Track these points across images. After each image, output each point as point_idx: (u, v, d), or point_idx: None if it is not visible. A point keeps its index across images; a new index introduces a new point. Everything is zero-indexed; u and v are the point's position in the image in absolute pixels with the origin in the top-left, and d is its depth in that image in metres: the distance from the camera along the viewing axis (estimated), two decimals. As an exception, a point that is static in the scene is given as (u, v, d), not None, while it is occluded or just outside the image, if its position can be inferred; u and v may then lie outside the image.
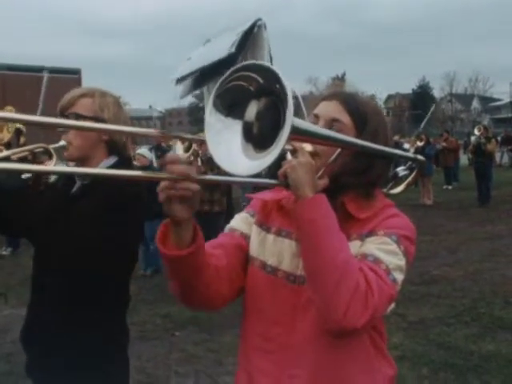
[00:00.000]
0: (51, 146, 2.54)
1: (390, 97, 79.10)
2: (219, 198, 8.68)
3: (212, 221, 7.90)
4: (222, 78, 1.44)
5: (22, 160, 2.57)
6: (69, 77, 29.63)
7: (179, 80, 9.56)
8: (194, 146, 8.56)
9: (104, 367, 2.31)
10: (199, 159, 8.97)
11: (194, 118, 70.94)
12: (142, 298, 7.15)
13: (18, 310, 6.75)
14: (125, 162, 2.45)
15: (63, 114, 2.39)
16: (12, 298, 7.35)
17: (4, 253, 10.43)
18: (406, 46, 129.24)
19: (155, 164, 10.14)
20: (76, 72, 31.42)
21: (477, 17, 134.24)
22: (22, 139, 9.62)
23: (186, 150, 8.99)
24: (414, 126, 48.68)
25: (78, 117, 2.34)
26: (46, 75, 8.99)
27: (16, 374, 4.99)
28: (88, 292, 2.26)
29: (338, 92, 1.84)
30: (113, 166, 2.37)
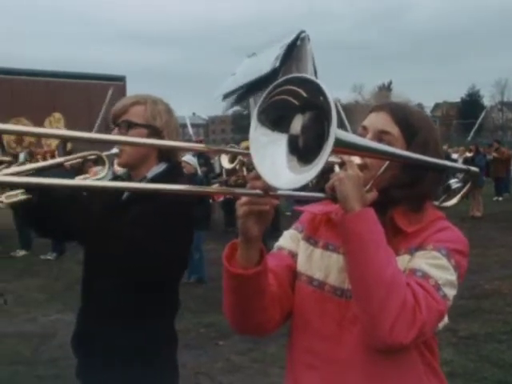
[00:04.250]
0: (104, 153, 2.55)
1: (437, 105, 78.01)
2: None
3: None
4: (266, 92, 1.44)
5: (78, 170, 2.60)
6: (113, 84, 30.05)
7: (225, 96, 9.65)
8: (240, 156, 8.59)
9: (153, 372, 2.32)
10: (244, 169, 9.01)
11: (238, 125, 71.39)
12: (186, 306, 7.15)
13: (63, 315, 6.91)
14: (174, 168, 2.46)
15: (115, 122, 2.41)
16: (58, 303, 7.52)
17: (49, 258, 10.62)
18: (454, 54, 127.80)
19: (199, 171, 10.22)
20: (121, 79, 31.92)
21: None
22: (69, 145, 9.83)
23: (232, 159, 9.04)
24: (462, 135, 47.83)
25: (130, 124, 2.36)
26: (111, 89, 9.19)
27: (63, 377, 5.09)
28: (137, 297, 2.28)
29: (387, 103, 1.81)
30: (162, 173, 2.39)
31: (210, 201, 11.20)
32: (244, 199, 1.46)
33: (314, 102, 1.38)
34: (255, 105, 8.33)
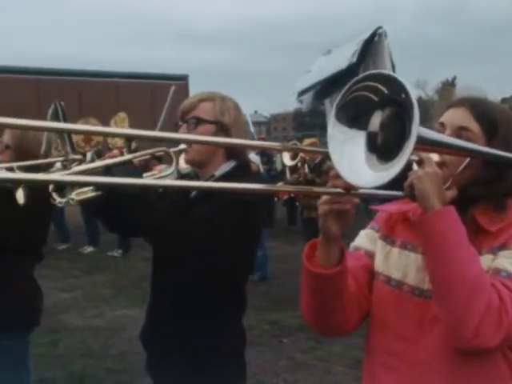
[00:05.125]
0: (172, 150, 2.58)
1: (504, 100, 75.62)
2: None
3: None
4: (344, 89, 1.42)
5: (144, 168, 2.65)
6: (176, 83, 30.22)
7: (300, 94, 9.62)
8: (301, 153, 8.54)
9: (221, 369, 2.33)
10: (306, 166, 8.97)
11: (299, 123, 71.20)
12: (249, 304, 7.14)
13: (130, 311, 7.06)
14: (243, 166, 2.46)
15: (184, 118, 2.42)
16: (124, 299, 7.69)
17: (115, 254, 10.84)
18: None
19: (261, 169, 10.23)
20: (183, 78, 32.28)
21: None
22: (134, 145, 9.97)
23: (293, 157, 9.01)
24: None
25: (199, 120, 2.37)
26: (173, 87, 9.32)
27: (131, 371, 5.20)
28: (205, 294, 2.30)
29: (466, 98, 1.75)
30: (231, 171, 2.39)
31: (275, 199, 11.21)
32: (324, 198, 1.46)
33: (395, 98, 1.35)
34: (331, 105, 8.28)
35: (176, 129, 2.44)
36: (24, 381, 3.40)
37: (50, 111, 2.83)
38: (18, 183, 2.12)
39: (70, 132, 2.56)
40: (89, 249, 11.31)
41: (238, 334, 2.46)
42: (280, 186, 1.83)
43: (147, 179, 2.41)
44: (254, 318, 6.59)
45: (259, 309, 6.93)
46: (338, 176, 1.40)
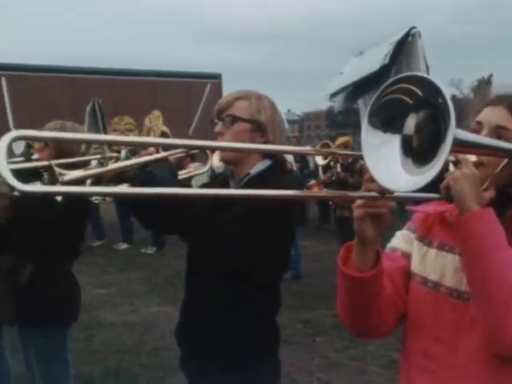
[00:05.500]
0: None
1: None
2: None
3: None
4: (376, 94, 1.41)
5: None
6: (209, 81, 30.30)
7: (332, 96, 9.58)
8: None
9: (255, 368, 2.34)
10: (338, 165, 8.92)
11: (332, 121, 70.76)
12: (282, 303, 7.16)
13: (163, 308, 7.12)
14: (279, 165, 2.44)
15: (219, 116, 2.41)
16: (158, 296, 7.76)
17: (149, 251, 10.91)
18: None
19: (295, 168, 10.21)
20: (216, 77, 32.31)
21: None
22: (166, 141, 10.00)
23: (326, 156, 8.96)
24: None
25: (235, 118, 2.35)
26: (208, 86, 9.35)
27: (164, 367, 5.25)
28: (238, 294, 2.30)
29: (504, 96, 1.71)
30: (266, 170, 2.37)
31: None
32: (360, 202, 1.46)
33: (430, 100, 1.34)
34: (364, 105, 8.21)
35: (211, 127, 2.44)
36: (64, 373, 3.49)
37: (88, 108, 2.88)
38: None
39: (110, 144, 2.60)
40: (123, 246, 11.42)
41: (272, 333, 2.45)
42: (315, 191, 1.82)
43: (191, 189, 2.41)
44: (287, 317, 6.58)
45: (292, 307, 6.92)
46: (372, 179, 1.40)
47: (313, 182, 11.13)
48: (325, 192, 1.36)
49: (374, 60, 8.19)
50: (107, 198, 2.73)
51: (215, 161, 4.10)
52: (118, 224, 11.61)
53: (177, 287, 7.23)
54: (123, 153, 2.65)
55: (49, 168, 2.28)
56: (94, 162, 2.94)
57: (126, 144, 2.26)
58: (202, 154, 3.33)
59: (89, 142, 2.72)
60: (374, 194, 1.44)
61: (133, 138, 1.46)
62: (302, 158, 14.45)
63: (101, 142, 2.71)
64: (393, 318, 1.73)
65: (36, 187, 1.39)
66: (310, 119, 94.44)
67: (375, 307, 1.63)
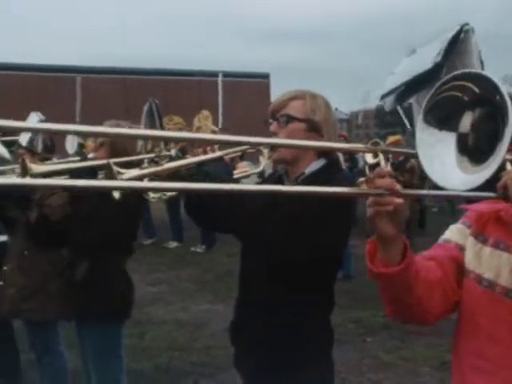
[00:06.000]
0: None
1: None
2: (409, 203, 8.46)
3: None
4: (432, 91, 1.40)
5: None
6: (258, 81, 30.48)
7: (384, 96, 9.49)
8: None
9: (310, 368, 2.33)
10: (389, 164, 8.82)
11: (381, 120, 69.94)
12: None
13: (214, 306, 7.16)
14: (333, 164, 2.43)
15: (274, 116, 2.41)
16: (208, 294, 7.81)
17: (198, 250, 10.97)
18: None
19: (344, 166, 10.14)
20: (265, 76, 32.37)
21: None
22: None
23: (376, 154, 8.86)
24: None
25: (289, 118, 2.35)
26: (220, 79, 9.44)
27: (215, 365, 5.30)
28: (292, 293, 2.30)
29: None
30: (321, 169, 2.36)
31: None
32: (370, 200, 1.44)
33: (486, 97, 1.33)
34: (418, 104, 8.09)
35: (266, 126, 2.44)
36: (119, 369, 3.56)
37: (146, 108, 2.94)
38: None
39: (166, 140, 2.65)
40: (173, 244, 11.52)
41: (326, 333, 2.44)
42: (362, 188, 1.81)
43: (252, 185, 2.42)
44: (338, 316, 6.53)
45: (343, 307, 6.87)
46: (380, 175, 1.41)
47: (361, 179, 11.02)
48: (344, 189, 1.37)
49: (426, 58, 8.06)
50: (164, 197, 2.76)
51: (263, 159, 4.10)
52: (168, 223, 11.73)
53: (228, 285, 7.29)
54: (173, 152, 2.68)
55: (107, 166, 2.32)
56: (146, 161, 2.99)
57: (189, 141, 2.30)
58: (250, 154, 3.34)
59: (147, 139, 2.76)
60: (381, 190, 1.43)
61: (198, 134, 1.48)
62: (350, 157, 14.34)
63: (168, 139, 2.76)
64: (439, 306, 1.70)
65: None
66: (359, 118, 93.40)
67: (410, 300, 1.61)
